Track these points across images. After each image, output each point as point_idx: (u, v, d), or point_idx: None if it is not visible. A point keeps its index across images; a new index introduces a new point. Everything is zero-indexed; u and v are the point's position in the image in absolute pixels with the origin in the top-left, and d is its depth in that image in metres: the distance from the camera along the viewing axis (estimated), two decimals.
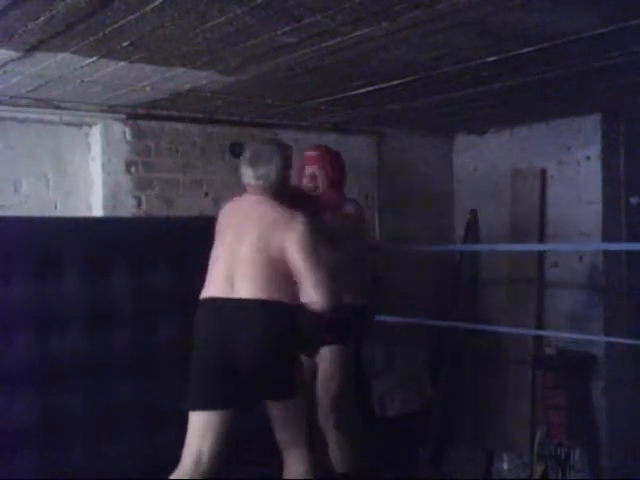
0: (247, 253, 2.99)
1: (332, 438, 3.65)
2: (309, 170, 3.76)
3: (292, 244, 2.99)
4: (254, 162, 3.09)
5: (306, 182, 3.78)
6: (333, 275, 3.06)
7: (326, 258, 3.21)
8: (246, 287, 2.97)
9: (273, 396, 3.04)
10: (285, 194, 3.16)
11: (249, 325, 2.95)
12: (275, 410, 3.07)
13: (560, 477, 4.40)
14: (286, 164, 3.14)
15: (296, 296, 3.02)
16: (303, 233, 3.01)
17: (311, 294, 3.00)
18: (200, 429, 2.93)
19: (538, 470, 4.53)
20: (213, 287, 3.04)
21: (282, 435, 3.11)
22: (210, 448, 2.93)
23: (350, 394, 3.89)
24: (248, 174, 3.11)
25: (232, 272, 3.00)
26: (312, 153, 3.83)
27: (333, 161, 3.80)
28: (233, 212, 3.17)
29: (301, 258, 2.98)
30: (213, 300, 3.02)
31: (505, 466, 4.73)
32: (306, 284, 3.00)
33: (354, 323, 3.73)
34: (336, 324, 3.58)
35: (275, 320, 3.00)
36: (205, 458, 2.93)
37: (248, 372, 2.95)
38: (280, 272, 3.00)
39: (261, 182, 3.08)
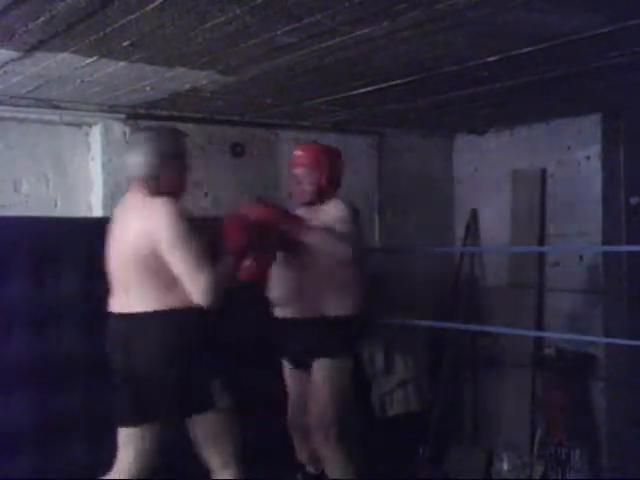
0: (126, 256, 2.78)
1: (325, 454, 3.44)
2: (296, 171, 3.53)
3: (162, 238, 2.70)
4: (129, 150, 2.90)
5: (293, 185, 3.57)
6: (212, 267, 2.74)
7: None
8: (137, 296, 2.77)
9: (187, 412, 2.82)
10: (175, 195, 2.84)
11: (143, 343, 2.75)
12: (195, 428, 2.86)
13: (560, 477, 4.40)
14: (166, 152, 2.82)
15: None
16: (170, 222, 2.70)
17: (193, 294, 2.72)
18: (123, 443, 2.83)
19: (538, 470, 4.53)
20: (114, 298, 2.90)
21: (206, 454, 2.89)
22: (133, 464, 2.81)
23: (350, 418, 3.62)
24: (126, 164, 2.90)
25: (122, 278, 2.83)
26: (299, 152, 3.57)
27: (324, 161, 3.50)
28: (116, 212, 2.97)
29: (175, 254, 2.70)
30: (111, 315, 2.88)
31: (505, 466, 4.73)
32: (186, 282, 2.71)
33: (349, 336, 3.49)
34: (327, 334, 3.39)
35: (170, 330, 2.75)
36: (132, 473, 2.81)
37: (145, 389, 2.77)
38: (163, 272, 2.74)
39: (135, 172, 2.83)
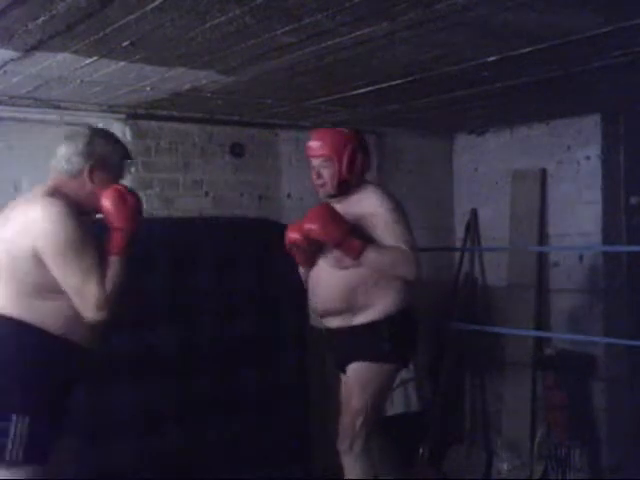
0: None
1: (346, 462, 3.21)
2: (313, 163, 3.22)
3: (43, 242, 2.36)
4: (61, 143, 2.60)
5: (314, 179, 3.24)
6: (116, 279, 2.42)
7: None
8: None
9: None
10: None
11: None
12: None
13: (560, 477, 4.40)
14: (81, 151, 2.54)
15: (64, 317, 2.41)
16: (51, 226, 2.36)
17: (78, 307, 2.39)
18: None
19: (538, 470, 4.53)
20: None
21: None
22: None
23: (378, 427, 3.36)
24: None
25: None
26: (313, 143, 3.23)
27: (340, 148, 3.16)
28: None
29: (55, 260, 2.36)
30: None
31: (505, 466, 4.73)
32: (70, 293, 2.39)
33: (391, 338, 3.16)
34: (363, 338, 3.15)
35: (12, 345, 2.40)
36: None
37: None
38: (34, 281, 2.40)
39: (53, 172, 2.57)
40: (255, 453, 3.97)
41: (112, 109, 4.01)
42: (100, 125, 4.02)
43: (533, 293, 4.84)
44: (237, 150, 4.45)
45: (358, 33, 2.71)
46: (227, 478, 3.76)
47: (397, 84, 3.57)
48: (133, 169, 4.10)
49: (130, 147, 4.05)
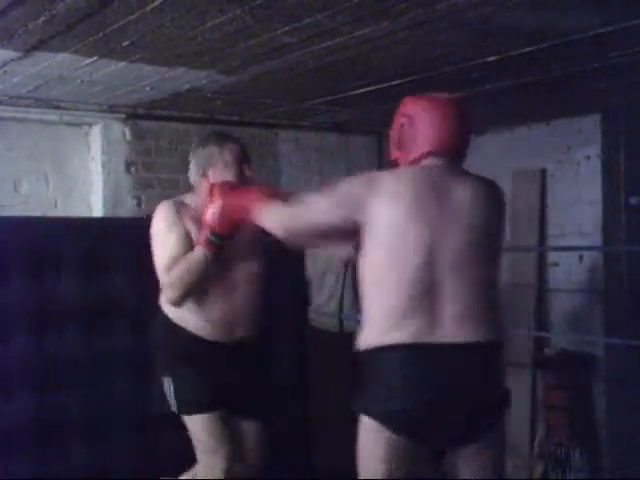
0: None
1: None
2: None
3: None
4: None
5: None
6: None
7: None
8: None
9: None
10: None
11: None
12: None
13: (560, 477, 4.40)
14: (194, 164, 2.86)
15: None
16: (153, 222, 2.78)
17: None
18: None
19: (538, 470, 4.53)
20: None
21: None
22: None
23: None
24: None
25: None
26: None
27: (396, 114, 2.40)
28: None
29: (154, 251, 2.79)
30: None
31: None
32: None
33: (358, 379, 2.22)
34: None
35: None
36: None
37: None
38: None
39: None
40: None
41: (112, 109, 4.02)
42: (100, 125, 4.03)
43: (533, 293, 4.84)
44: None
45: (358, 33, 2.72)
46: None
47: (397, 84, 3.57)
48: (133, 169, 4.10)
49: (130, 147, 4.10)
